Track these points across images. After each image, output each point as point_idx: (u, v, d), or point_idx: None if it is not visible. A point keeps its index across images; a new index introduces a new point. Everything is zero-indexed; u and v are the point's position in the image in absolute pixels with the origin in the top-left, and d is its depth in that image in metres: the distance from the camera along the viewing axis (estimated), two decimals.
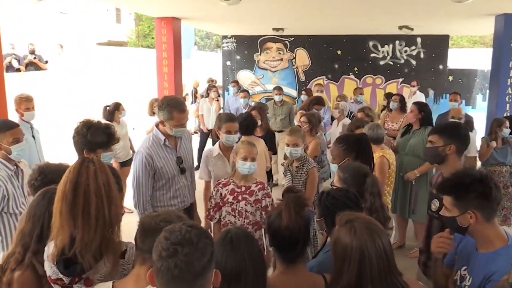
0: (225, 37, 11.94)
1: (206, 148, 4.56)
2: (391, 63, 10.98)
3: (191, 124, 11.48)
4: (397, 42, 10.86)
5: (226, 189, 3.17)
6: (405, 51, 10.87)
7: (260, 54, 11.72)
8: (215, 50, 28.26)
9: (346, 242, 1.56)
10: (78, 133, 2.78)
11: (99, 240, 1.74)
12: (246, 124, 4.43)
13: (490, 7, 6.21)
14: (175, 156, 3.22)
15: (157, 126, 3.20)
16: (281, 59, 11.63)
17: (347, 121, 5.96)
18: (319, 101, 6.57)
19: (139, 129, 6.48)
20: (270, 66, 11.73)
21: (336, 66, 11.31)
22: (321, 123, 5.54)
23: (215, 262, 1.51)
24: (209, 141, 8.66)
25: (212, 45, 30.81)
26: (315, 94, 7.89)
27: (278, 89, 7.80)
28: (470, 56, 15.46)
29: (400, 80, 10.96)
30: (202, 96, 10.63)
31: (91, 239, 1.72)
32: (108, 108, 5.96)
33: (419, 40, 10.73)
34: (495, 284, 1.67)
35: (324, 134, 6.11)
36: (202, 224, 3.56)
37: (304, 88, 10.00)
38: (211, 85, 9.65)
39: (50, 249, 1.77)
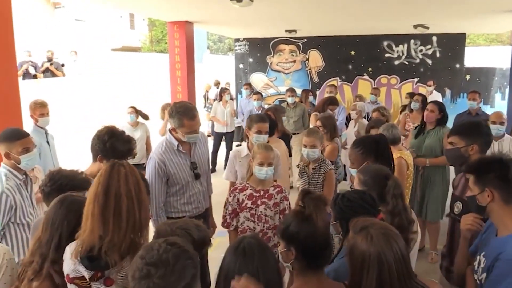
0: (237, 40, 11.93)
1: (234, 149, 4.52)
2: (406, 62, 10.82)
3: (204, 128, 11.49)
4: (412, 41, 10.69)
5: (244, 194, 3.10)
6: (421, 51, 10.70)
7: (273, 56, 11.68)
8: (227, 53, 28.32)
9: (363, 249, 1.52)
10: (99, 138, 2.77)
11: (129, 242, 1.76)
12: None
13: (508, 3, 6.05)
14: (189, 162, 3.17)
15: (170, 131, 3.17)
16: (294, 61, 11.56)
17: (364, 122, 5.86)
18: (333, 101, 6.47)
19: (153, 134, 6.49)
20: (283, 68, 11.67)
21: (350, 67, 11.20)
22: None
23: (229, 271, 1.45)
24: (223, 144, 8.66)
25: (224, 48, 30.89)
26: (326, 95, 7.79)
27: (291, 91, 7.73)
28: (487, 54, 15.17)
29: (416, 80, 10.79)
30: (214, 100, 10.65)
31: (121, 240, 1.74)
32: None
33: (434, 39, 10.54)
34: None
35: (340, 135, 6.02)
36: (217, 230, 3.50)
37: (308, 90, 9.70)
38: (224, 88, 9.62)
39: (72, 247, 1.78)
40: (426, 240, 4.89)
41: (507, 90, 9.75)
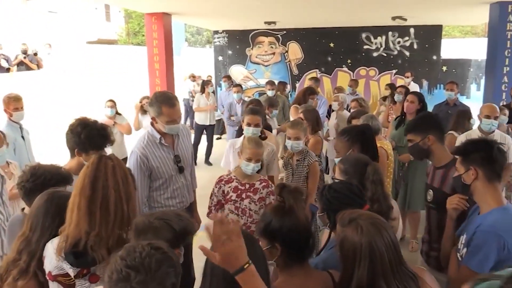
0: (216, 32, 11.82)
1: (231, 139, 4.46)
2: (385, 54, 10.92)
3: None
4: (390, 33, 10.80)
5: (229, 186, 3.07)
6: (398, 42, 10.81)
7: (252, 48, 11.62)
8: (206, 46, 28.06)
9: (354, 241, 1.52)
10: (72, 131, 2.68)
11: (117, 236, 1.72)
12: None
13: None
14: (172, 155, 3.10)
15: (152, 124, 3.09)
16: (274, 53, 11.53)
17: (345, 114, 5.88)
18: (313, 91, 6.47)
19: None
20: (262, 60, 11.63)
21: (329, 59, 11.24)
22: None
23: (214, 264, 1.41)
24: (204, 137, 8.60)
25: (203, 41, 30.59)
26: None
27: (271, 83, 7.68)
28: (463, 46, 15.43)
29: (394, 71, 10.91)
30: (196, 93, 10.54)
31: (108, 235, 1.70)
32: None
33: (412, 31, 10.67)
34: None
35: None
36: (201, 224, 3.45)
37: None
38: (207, 80, 9.53)
39: (54, 243, 1.72)
40: (407, 230, 4.97)
41: (482, 81, 9.95)
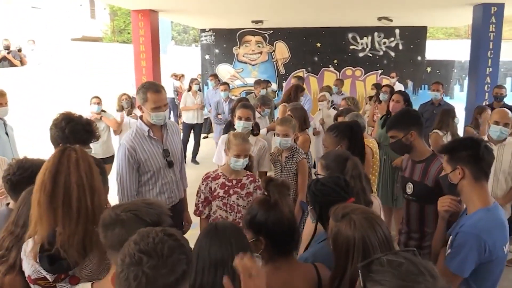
0: (203, 30, 11.78)
1: (223, 135, 4.41)
2: (370, 55, 11.02)
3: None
4: (375, 34, 10.90)
5: (216, 183, 3.06)
6: (384, 43, 10.92)
7: (239, 47, 11.60)
8: (192, 44, 27.93)
9: (348, 235, 1.54)
10: (56, 126, 2.63)
11: (82, 233, 1.64)
12: None
13: None
14: (161, 149, 3.08)
15: (141, 118, 3.07)
16: (261, 52, 11.54)
17: (331, 112, 5.93)
18: (303, 88, 6.50)
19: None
20: (249, 59, 11.63)
21: (316, 58, 11.29)
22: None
23: (200, 249, 1.41)
24: (191, 136, 8.57)
25: (189, 39, 30.44)
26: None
27: (265, 82, 7.62)
28: (446, 47, 15.70)
29: (380, 71, 11.01)
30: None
31: (73, 232, 1.62)
32: None
33: (397, 31, 10.79)
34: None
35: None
36: (194, 223, 3.44)
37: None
38: (194, 78, 9.50)
39: (29, 246, 1.66)
40: (392, 227, 5.02)
41: (465, 82, 10.11)
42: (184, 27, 28.00)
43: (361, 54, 11.06)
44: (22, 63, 12.08)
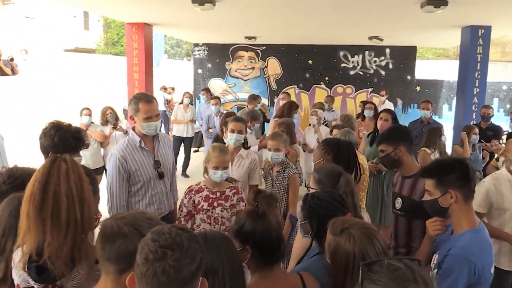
0: (196, 45, 11.87)
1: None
2: (361, 73, 11.19)
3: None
4: (366, 52, 11.09)
5: (200, 196, 3.04)
6: (375, 62, 11.11)
7: (231, 62, 11.70)
8: (184, 58, 28.05)
9: (347, 250, 1.57)
10: (45, 134, 2.61)
11: (70, 245, 1.62)
12: None
13: (456, 19, 6.42)
14: (152, 160, 3.09)
15: (133, 129, 3.10)
16: (253, 68, 11.65)
17: (324, 128, 6.00)
18: (296, 105, 6.57)
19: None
20: (241, 74, 11.72)
21: (307, 75, 11.43)
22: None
23: None
24: (182, 149, 8.56)
25: (182, 53, 30.58)
26: (282, 102, 7.81)
27: (257, 98, 7.62)
28: (435, 67, 15.94)
29: (370, 89, 11.17)
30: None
31: (61, 244, 1.60)
32: None
33: (387, 51, 10.99)
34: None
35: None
36: None
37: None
38: (186, 91, 9.54)
39: (18, 256, 1.65)
40: None
41: (454, 101, 10.28)
42: (177, 41, 28.15)
43: (352, 72, 11.22)
44: (14, 72, 12.02)
